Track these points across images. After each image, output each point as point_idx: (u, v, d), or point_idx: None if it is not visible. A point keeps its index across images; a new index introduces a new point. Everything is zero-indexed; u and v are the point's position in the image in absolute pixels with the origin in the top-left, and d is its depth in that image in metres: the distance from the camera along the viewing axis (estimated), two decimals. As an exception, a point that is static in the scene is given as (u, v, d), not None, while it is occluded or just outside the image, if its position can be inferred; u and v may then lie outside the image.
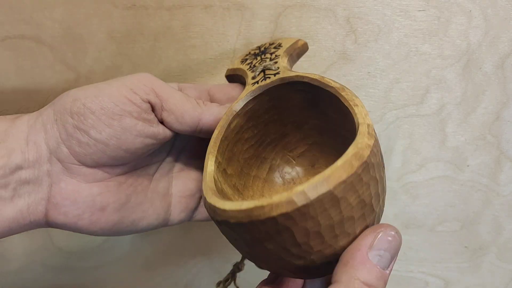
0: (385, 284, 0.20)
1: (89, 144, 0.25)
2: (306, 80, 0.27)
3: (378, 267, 0.19)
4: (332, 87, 0.25)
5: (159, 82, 0.27)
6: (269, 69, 0.29)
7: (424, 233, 0.42)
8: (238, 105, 0.28)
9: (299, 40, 0.32)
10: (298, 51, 0.32)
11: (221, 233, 0.23)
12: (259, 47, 0.33)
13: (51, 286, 0.42)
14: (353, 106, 0.23)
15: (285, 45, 0.31)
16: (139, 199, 0.28)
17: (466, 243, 0.43)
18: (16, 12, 0.32)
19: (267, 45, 0.33)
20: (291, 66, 0.31)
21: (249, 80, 0.29)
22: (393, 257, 0.20)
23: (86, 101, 0.25)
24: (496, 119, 0.37)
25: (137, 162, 0.28)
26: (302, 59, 0.35)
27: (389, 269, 0.20)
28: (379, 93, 0.36)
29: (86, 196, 0.26)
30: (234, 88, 0.31)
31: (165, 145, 0.29)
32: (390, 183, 0.40)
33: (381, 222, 0.44)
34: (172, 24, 0.34)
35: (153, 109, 0.26)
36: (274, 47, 0.32)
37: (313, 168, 0.31)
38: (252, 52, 0.33)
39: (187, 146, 0.31)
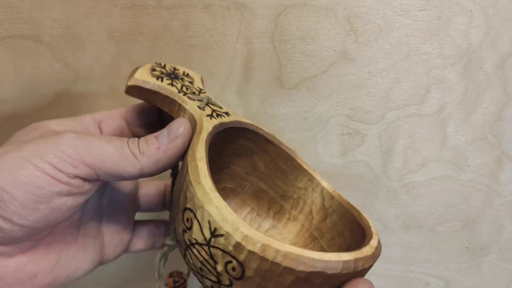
0: None
1: (13, 230, 0.22)
2: (261, 132, 0.27)
3: None
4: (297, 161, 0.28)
5: (87, 145, 0.23)
6: (213, 104, 0.26)
7: (425, 233, 0.42)
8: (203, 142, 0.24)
9: (201, 76, 0.30)
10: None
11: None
12: (162, 66, 0.28)
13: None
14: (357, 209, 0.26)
15: (196, 79, 0.29)
16: (70, 251, 0.26)
17: (467, 243, 0.43)
18: (15, 11, 0.32)
19: (170, 69, 0.28)
20: None
21: (194, 109, 0.25)
22: None
23: (5, 185, 0.21)
24: (497, 119, 0.37)
25: None
26: (302, 59, 0.35)
27: None
28: (379, 93, 0.36)
29: (14, 269, 0.23)
30: (150, 114, 0.29)
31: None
32: (391, 183, 0.40)
33: (381, 222, 0.44)
34: (172, 23, 0.33)
35: (85, 179, 0.23)
36: (186, 76, 0.28)
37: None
38: (158, 69, 0.27)
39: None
